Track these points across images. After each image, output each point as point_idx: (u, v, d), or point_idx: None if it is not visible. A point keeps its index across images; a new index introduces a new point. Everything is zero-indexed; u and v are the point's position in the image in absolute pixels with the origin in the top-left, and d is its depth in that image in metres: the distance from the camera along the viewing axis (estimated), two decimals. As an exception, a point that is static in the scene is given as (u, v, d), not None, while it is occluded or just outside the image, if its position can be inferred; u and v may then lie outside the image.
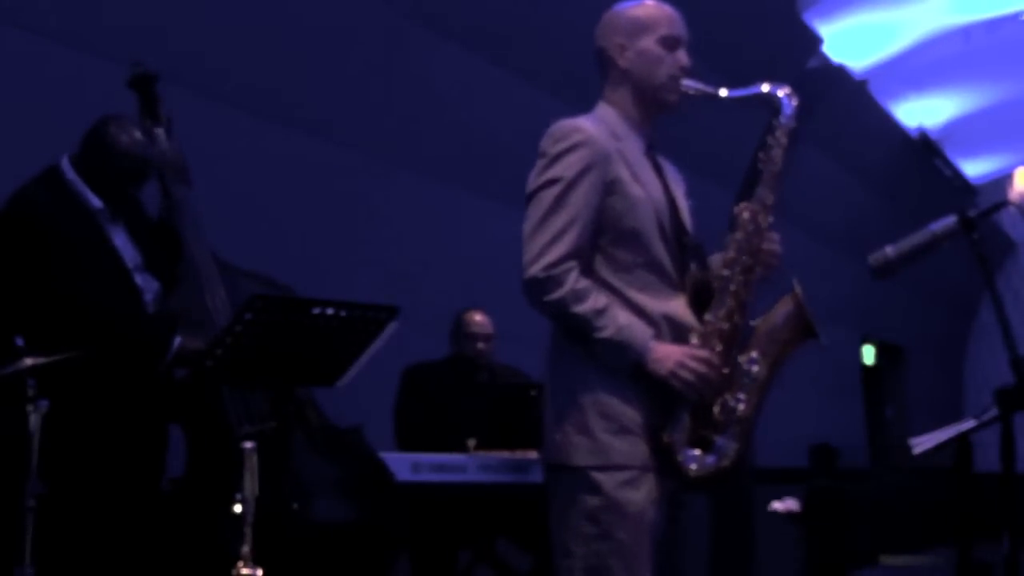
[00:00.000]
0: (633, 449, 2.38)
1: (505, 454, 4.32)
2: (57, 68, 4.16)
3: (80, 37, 4.21)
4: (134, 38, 4.24)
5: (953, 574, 3.22)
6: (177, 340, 3.18)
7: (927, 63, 9.57)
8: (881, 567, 10.89)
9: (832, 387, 10.29)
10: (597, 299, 2.38)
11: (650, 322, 2.42)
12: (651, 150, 2.57)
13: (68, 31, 4.18)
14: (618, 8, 2.59)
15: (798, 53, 8.11)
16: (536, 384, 4.45)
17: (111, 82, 3.55)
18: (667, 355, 2.38)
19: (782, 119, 2.53)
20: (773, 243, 2.52)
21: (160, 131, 3.46)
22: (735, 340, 2.46)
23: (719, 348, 2.43)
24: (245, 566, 2.52)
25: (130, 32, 4.28)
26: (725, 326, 2.45)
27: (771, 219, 2.51)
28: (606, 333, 2.37)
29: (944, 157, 11.24)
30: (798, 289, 2.50)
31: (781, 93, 2.53)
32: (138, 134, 3.31)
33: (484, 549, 4.64)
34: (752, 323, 2.50)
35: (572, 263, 2.39)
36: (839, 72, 8.83)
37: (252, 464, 2.55)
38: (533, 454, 4.31)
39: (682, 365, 2.37)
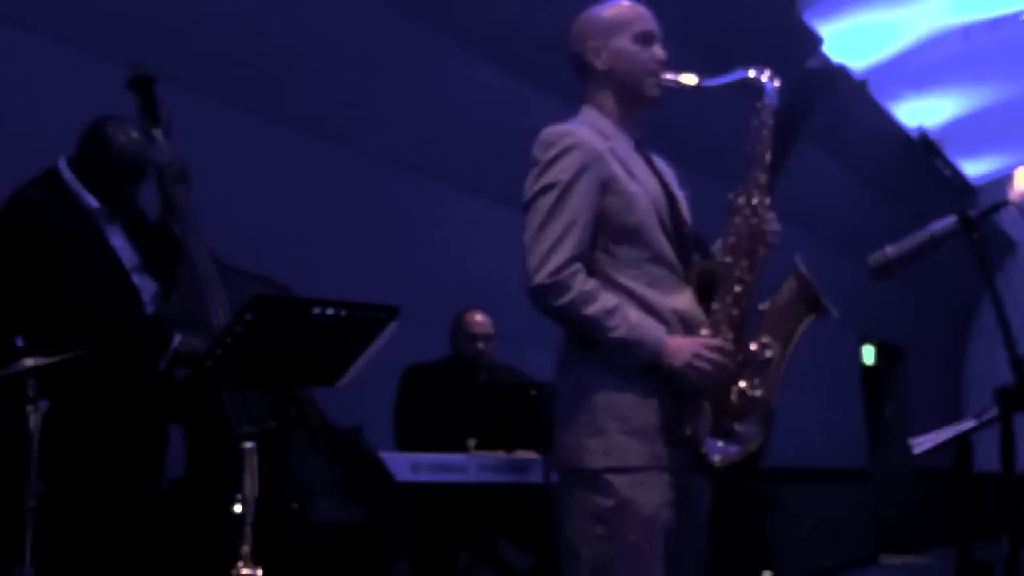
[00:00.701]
0: (646, 450, 2.38)
1: (502, 454, 4.32)
2: (57, 68, 4.16)
3: (80, 37, 4.21)
4: (134, 38, 4.24)
5: (953, 574, 3.22)
6: (176, 338, 3.18)
7: (927, 63, 9.55)
8: (881, 567, 10.90)
9: (832, 387, 10.29)
10: (606, 299, 2.38)
11: (660, 318, 2.42)
12: (640, 146, 2.58)
13: (68, 31, 4.18)
14: (589, 12, 2.61)
15: (798, 53, 8.10)
16: (536, 384, 4.46)
17: (111, 82, 3.55)
18: (681, 348, 2.39)
19: (766, 100, 2.54)
20: (772, 222, 2.52)
21: (159, 133, 3.46)
22: (744, 325, 2.46)
23: (731, 335, 2.44)
24: (245, 566, 2.52)
25: (130, 32, 4.28)
26: (734, 312, 2.45)
27: (768, 200, 2.51)
28: (618, 332, 2.36)
29: (944, 157, 11.22)
30: (801, 266, 2.50)
31: (763, 76, 2.53)
32: (135, 134, 3.31)
33: (484, 549, 4.64)
34: (760, 307, 2.50)
35: (577, 266, 2.39)
36: (839, 72, 8.83)
37: (252, 464, 2.55)
38: (533, 454, 4.32)
39: (698, 356, 2.38)
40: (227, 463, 2.82)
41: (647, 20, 2.58)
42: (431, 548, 4.41)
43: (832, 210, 9.63)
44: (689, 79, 2.54)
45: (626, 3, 2.61)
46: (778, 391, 2.47)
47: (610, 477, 2.36)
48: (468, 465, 4.16)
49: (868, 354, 12.16)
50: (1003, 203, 2.62)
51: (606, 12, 2.59)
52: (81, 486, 3.06)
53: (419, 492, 3.92)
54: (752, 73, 2.54)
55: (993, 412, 3.01)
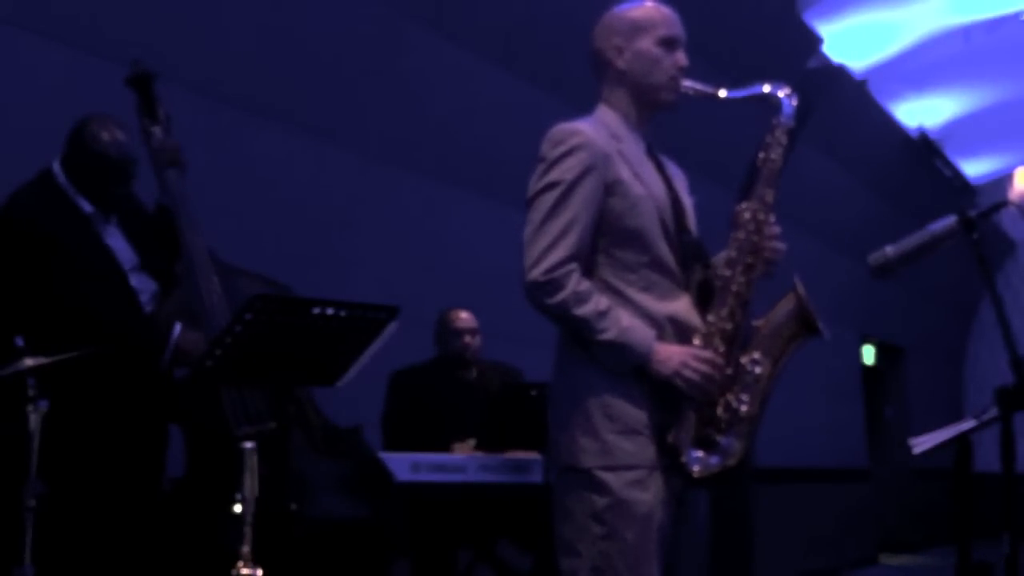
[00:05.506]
0: (640, 449, 2.39)
1: (490, 455, 4.30)
2: (57, 68, 4.16)
3: (79, 37, 4.21)
4: (133, 38, 4.24)
5: (953, 574, 3.22)
6: (177, 328, 3.17)
7: (927, 63, 9.55)
8: (881, 567, 10.90)
9: (832, 387, 10.29)
10: (599, 301, 2.39)
11: (653, 323, 2.43)
12: (652, 149, 2.58)
13: (68, 31, 4.18)
14: (616, 10, 2.60)
15: (798, 53, 8.11)
16: (536, 384, 4.45)
17: (111, 82, 3.54)
18: (670, 356, 2.39)
19: (782, 119, 2.54)
20: (775, 239, 2.52)
21: (158, 130, 3.45)
22: (737, 339, 2.47)
23: (722, 348, 2.44)
24: (245, 566, 2.52)
25: (129, 32, 4.28)
26: (727, 326, 2.45)
27: (772, 217, 2.52)
28: (608, 335, 2.37)
29: (944, 157, 11.23)
30: (799, 286, 2.50)
31: (781, 93, 2.54)
32: (120, 133, 3.25)
33: (484, 549, 4.63)
34: (754, 323, 2.51)
35: (573, 266, 2.39)
36: (839, 72, 8.83)
37: (252, 464, 2.55)
38: (532, 454, 4.31)
39: (686, 365, 2.38)
40: (227, 463, 2.82)
41: (673, 25, 2.57)
42: (431, 548, 4.41)
43: (832, 210, 9.64)
44: (713, 90, 2.53)
45: (653, 5, 2.59)
46: (764, 408, 2.48)
47: (605, 476, 2.37)
48: (468, 465, 4.16)
49: (868, 354, 12.16)
50: (1003, 203, 2.62)
51: (633, 12, 2.57)
52: (81, 486, 3.06)
53: (419, 492, 3.92)
54: (767, 88, 2.54)
55: (993, 412, 3.00)
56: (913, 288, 11.16)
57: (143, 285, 3.33)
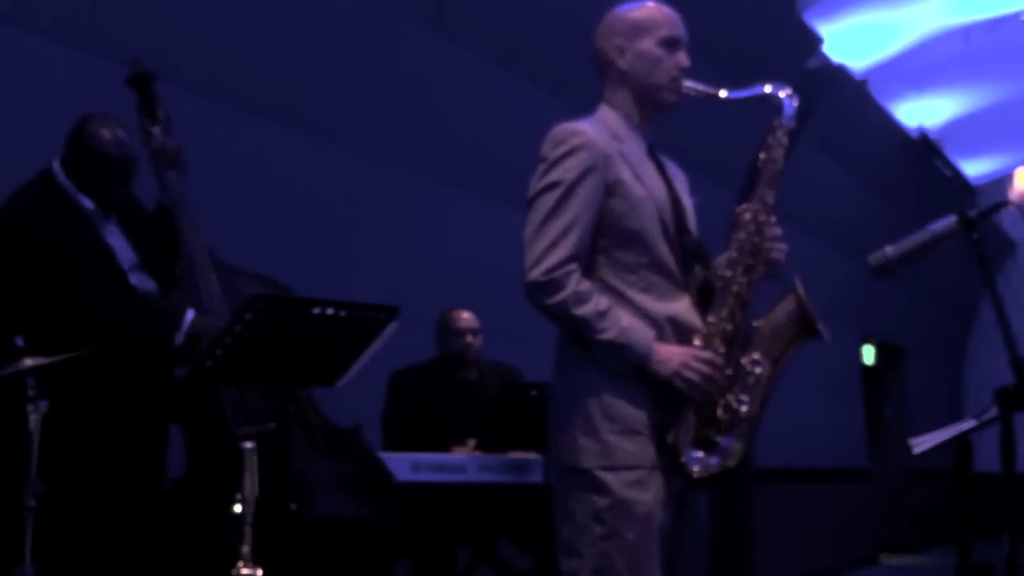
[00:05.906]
0: (641, 449, 2.39)
1: (490, 455, 4.30)
2: (57, 68, 4.15)
3: (79, 37, 4.21)
4: (133, 38, 4.24)
5: (953, 574, 3.22)
6: (190, 313, 3.16)
7: (927, 63, 9.55)
8: (881, 567, 10.90)
9: (832, 387, 10.29)
10: (599, 301, 2.39)
11: (653, 324, 2.43)
12: (653, 149, 2.58)
13: (68, 31, 4.18)
14: (618, 10, 2.60)
15: (798, 53, 8.10)
16: (536, 384, 4.46)
17: (111, 82, 3.54)
18: (670, 356, 2.39)
19: (783, 119, 2.54)
20: (777, 240, 2.52)
21: (158, 129, 3.45)
22: (737, 340, 2.47)
23: (722, 349, 2.44)
24: (245, 566, 2.52)
25: (129, 32, 4.28)
26: (728, 327, 2.46)
27: (773, 218, 2.52)
28: (608, 335, 2.37)
29: (944, 157, 11.22)
30: (800, 287, 2.50)
31: (782, 94, 2.54)
32: (120, 132, 3.24)
33: (484, 549, 4.64)
34: (754, 323, 2.51)
35: (573, 266, 2.40)
36: (839, 72, 8.83)
37: (252, 464, 2.56)
38: (532, 454, 4.31)
39: (686, 366, 2.39)
40: (227, 463, 2.82)
41: (675, 25, 2.57)
42: (431, 548, 4.41)
43: (832, 210, 9.64)
44: (714, 90, 2.54)
45: (655, 6, 2.60)
46: (764, 409, 2.48)
47: (605, 476, 2.37)
48: (468, 465, 4.16)
49: (868, 354, 12.16)
50: (1003, 203, 2.62)
51: (635, 13, 2.58)
52: (81, 486, 3.06)
53: (419, 492, 3.92)
54: (768, 89, 2.54)
55: (993, 412, 3.01)
56: (913, 288, 11.16)
57: (142, 285, 3.32)
